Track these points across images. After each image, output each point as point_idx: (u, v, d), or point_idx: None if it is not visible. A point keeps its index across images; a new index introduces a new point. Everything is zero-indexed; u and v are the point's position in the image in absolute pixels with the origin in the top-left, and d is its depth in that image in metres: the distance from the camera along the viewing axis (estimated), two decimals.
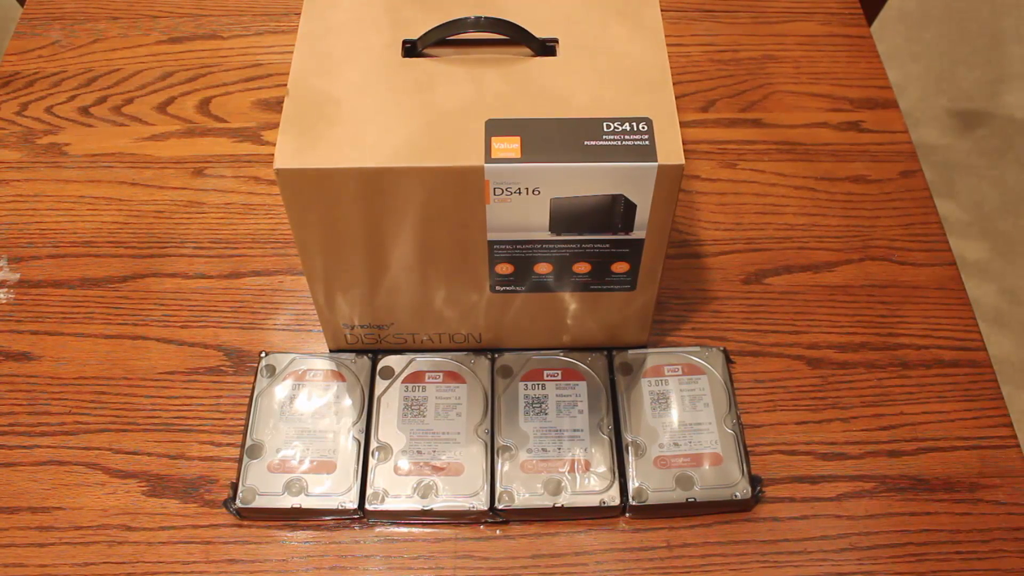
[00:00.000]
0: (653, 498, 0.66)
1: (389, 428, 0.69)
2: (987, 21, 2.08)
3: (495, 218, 0.61)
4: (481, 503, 0.66)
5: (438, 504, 0.66)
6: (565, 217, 0.61)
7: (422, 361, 0.72)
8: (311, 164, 0.57)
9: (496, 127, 0.58)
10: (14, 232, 0.82)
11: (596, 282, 0.67)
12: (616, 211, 0.60)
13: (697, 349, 0.73)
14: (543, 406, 0.70)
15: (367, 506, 0.66)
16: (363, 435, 0.69)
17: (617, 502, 0.66)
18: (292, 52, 0.63)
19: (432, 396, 0.70)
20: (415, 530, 0.66)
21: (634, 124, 0.59)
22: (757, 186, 0.85)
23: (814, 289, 0.79)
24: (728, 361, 0.73)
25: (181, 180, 0.86)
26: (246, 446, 0.68)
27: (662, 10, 0.66)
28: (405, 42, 0.63)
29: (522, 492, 0.66)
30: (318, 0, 0.66)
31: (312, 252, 0.64)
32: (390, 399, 0.70)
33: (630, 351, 0.73)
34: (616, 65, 0.62)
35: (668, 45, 0.63)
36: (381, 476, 0.67)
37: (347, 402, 0.70)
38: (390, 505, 0.66)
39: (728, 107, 0.91)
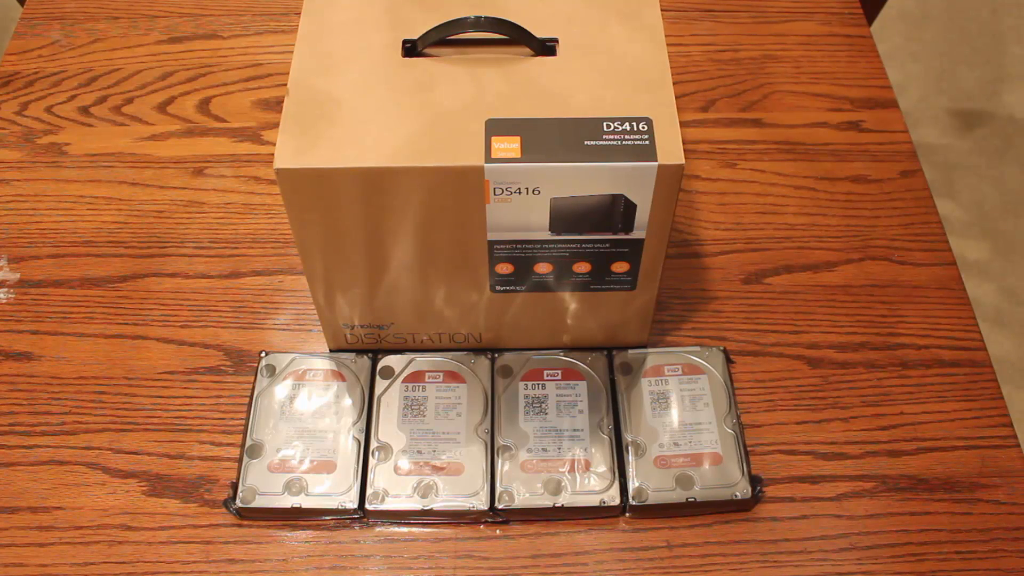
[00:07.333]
0: (653, 498, 0.66)
1: (389, 428, 0.69)
2: (987, 21, 2.08)
3: (495, 218, 0.61)
4: (481, 503, 0.66)
5: (438, 504, 0.66)
6: (565, 217, 0.61)
7: (422, 361, 0.72)
8: (311, 164, 0.57)
9: (496, 127, 0.58)
10: (14, 232, 0.82)
11: (596, 282, 0.66)
12: (616, 211, 0.60)
13: (697, 349, 0.73)
14: (543, 406, 0.70)
15: (367, 506, 0.66)
16: (363, 435, 0.69)
17: (617, 502, 0.66)
18: (292, 52, 0.63)
19: (432, 396, 0.70)
20: (415, 530, 0.66)
21: (634, 124, 0.59)
22: (757, 186, 0.85)
23: (814, 289, 0.79)
24: (728, 361, 0.73)
25: (181, 180, 0.86)
26: (246, 446, 0.68)
27: (662, 10, 0.66)
28: (405, 42, 0.63)
29: (522, 492, 0.66)
30: (318, 0, 0.66)
31: (312, 252, 0.64)
32: (390, 399, 0.70)
33: (630, 351, 0.73)
34: (616, 65, 0.62)
35: (668, 45, 0.63)
36: (381, 476, 0.67)
37: (347, 402, 0.70)
38: (390, 505, 0.66)
39: (728, 107, 0.91)
